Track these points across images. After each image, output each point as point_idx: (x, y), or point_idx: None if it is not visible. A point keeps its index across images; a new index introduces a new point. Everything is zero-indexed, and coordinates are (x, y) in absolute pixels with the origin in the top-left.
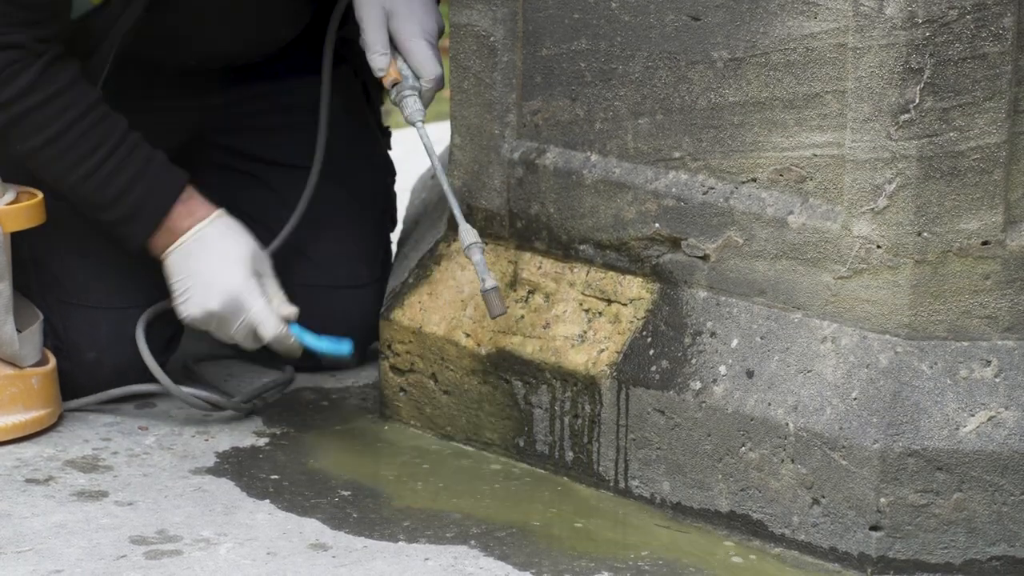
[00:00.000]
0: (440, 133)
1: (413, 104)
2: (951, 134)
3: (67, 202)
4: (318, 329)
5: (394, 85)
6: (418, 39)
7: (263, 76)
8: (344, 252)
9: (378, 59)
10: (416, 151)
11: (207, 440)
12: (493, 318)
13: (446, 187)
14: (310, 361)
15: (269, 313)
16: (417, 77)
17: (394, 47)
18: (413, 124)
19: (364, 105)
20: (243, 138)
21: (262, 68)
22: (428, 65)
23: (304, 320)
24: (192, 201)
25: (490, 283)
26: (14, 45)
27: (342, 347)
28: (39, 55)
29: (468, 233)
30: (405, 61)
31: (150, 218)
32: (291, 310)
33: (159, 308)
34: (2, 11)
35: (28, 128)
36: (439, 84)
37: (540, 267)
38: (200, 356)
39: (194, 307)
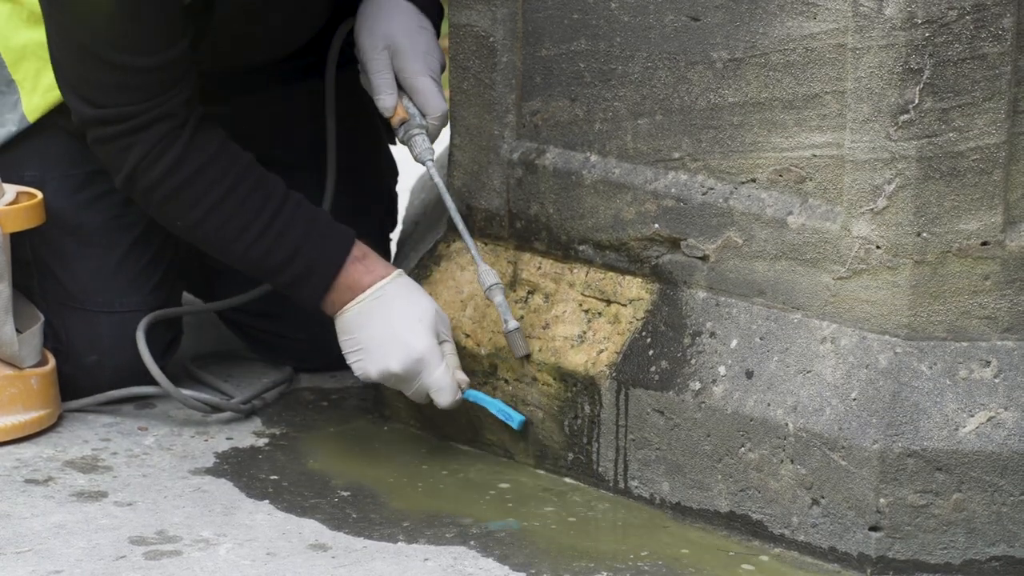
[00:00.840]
0: (441, 133)
1: (422, 143)
2: (950, 134)
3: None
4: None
5: (401, 124)
6: (423, 76)
7: (270, 80)
8: None
9: (386, 99)
10: None
11: (206, 440)
12: (518, 359)
13: (461, 227)
14: (310, 362)
15: (449, 382)
16: (423, 114)
17: (398, 85)
18: (423, 163)
19: (370, 104)
20: (246, 141)
21: (269, 71)
22: (434, 102)
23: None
24: (369, 259)
25: (513, 324)
26: (167, 115)
27: (512, 420)
28: (184, 124)
29: (488, 275)
30: (410, 99)
31: (322, 277)
32: (465, 378)
33: (161, 314)
34: (150, 80)
35: (185, 202)
36: (445, 120)
37: (540, 267)
38: (200, 357)
39: (372, 366)
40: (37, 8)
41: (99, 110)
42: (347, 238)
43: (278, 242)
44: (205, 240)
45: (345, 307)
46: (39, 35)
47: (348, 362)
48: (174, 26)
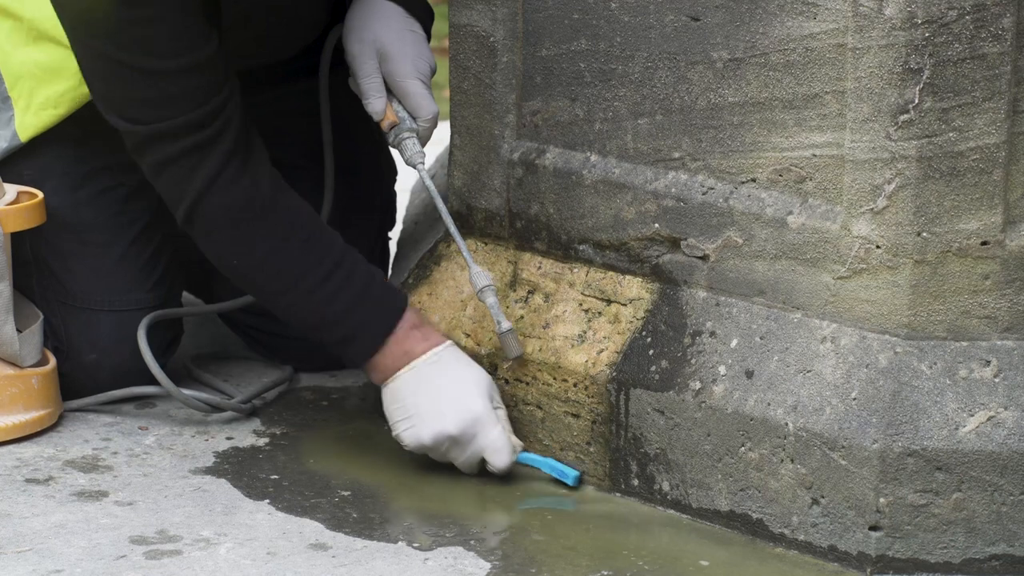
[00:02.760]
0: (440, 133)
1: (413, 146)
2: (950, 134)
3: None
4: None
5: (391, 128)
6: (412, 80)
7: (269, 80)
8: None
9: (375, 103)
10: None
11: (207, 440)
12: (511, 360)
13: (452, 230)
14: (310, 363)
15: (506, 442)
16: (413, 117)
17: (388, 90)
18: (414, 166)
19: None
20: None
21: (268, 72)
22: (424, 105)
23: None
24: (425, 327)
25: (506, 325)
26: (229, 123)
27: (567, 476)
28: (241, 151)
29: (480, 276)
30: (400, 103)
31: (373, 339)
32: (519, 442)
33: (162, 314)
34: (191, 85)
35: (248, 237)
36: (435, 123)
37: (540, 267)
38: (200, 357)
39: (426, 430)
40: (38, 25)
41: (151, 126)
42: (401, 303)
43: (333, 298)
44: (258, 284)
45: (398, 373)
46: (38, 53)
47: (396, 432)
48: (193, 26)
